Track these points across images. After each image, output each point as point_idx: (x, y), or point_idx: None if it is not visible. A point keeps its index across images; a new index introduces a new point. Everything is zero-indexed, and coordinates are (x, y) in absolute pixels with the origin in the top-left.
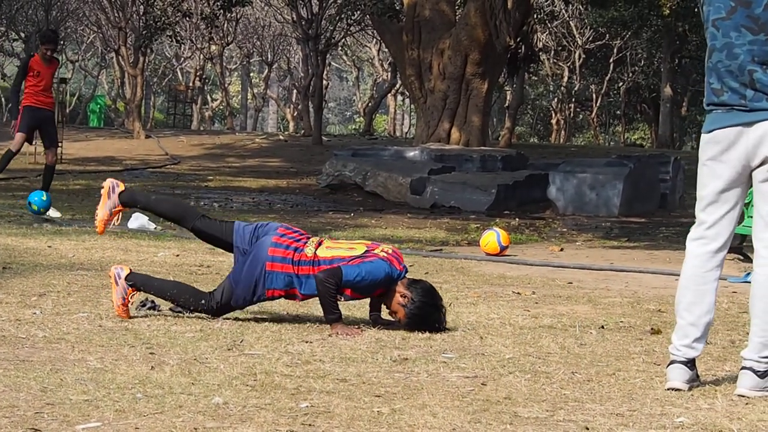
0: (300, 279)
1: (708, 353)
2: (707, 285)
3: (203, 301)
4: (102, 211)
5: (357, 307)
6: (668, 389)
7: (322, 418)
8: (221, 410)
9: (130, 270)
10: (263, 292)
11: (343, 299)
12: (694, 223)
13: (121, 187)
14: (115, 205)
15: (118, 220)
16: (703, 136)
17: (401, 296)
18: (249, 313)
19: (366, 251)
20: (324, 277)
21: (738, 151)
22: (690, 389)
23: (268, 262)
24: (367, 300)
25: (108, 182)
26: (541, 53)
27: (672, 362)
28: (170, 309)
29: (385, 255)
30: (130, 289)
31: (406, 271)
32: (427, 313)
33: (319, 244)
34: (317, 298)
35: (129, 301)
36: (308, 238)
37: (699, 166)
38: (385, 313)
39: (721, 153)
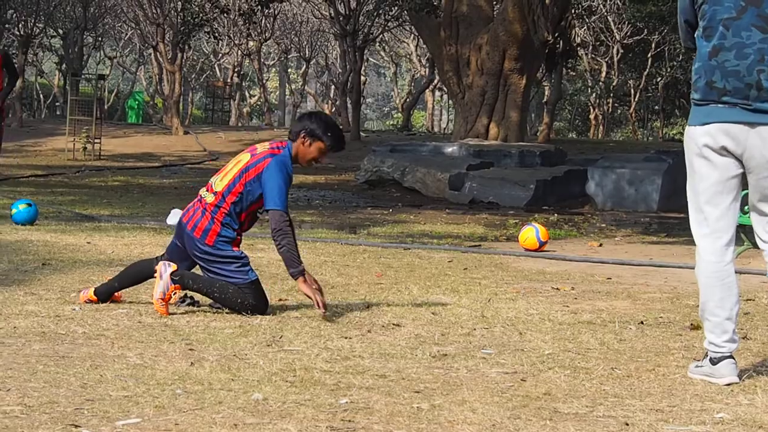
0: (226, 218)
1: (747, 349)
2: (730, 277)
3: (240, 301)
4: (157, 298)
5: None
6: (726, 385)
7: (362, 414)
8: (261, 406)
9: (177, 267)
10: (231, 250)
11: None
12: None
13: (173, 267)
14: (168, 287)
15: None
16: (696, 129)
17: (302, 143)
18: (288, 309)
19: (251, 157)
20: (275, 227)
21: (739, 146)
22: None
23: (198, 237)
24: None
25: (159, 265)
26: (579, 48)
27: (719, 359)
28: (209, 305)
29: (270, 150)
30: (173, 285)
31: (284, 143)
32: (324, 117)
33: (209, 187)
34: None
35: (170, 297)
36: (199, 197)
37: (691, 158)
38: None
39: (720, 146)
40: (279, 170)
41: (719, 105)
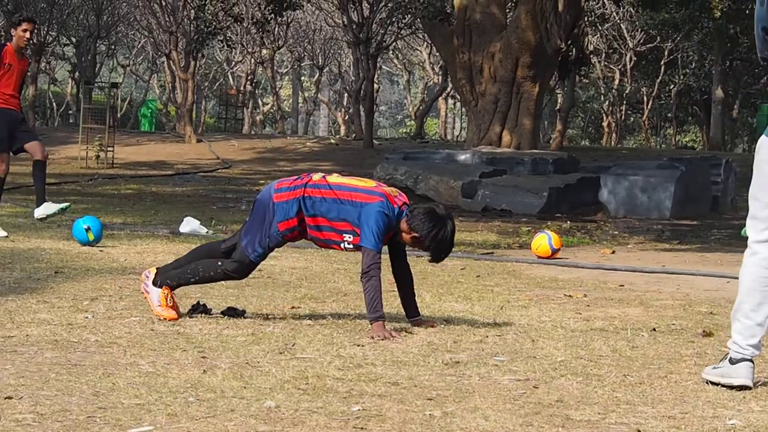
0: (306, 201)
1: (761, 356)
2: None
3: (220, 263)
4: (155, 308)
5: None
6: (738, 387)
7: (374, 421)
8: (273, 414)
9: (157, 270)
10: (276, 228)
11: (350, 248)
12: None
13: (153, 272)
14: (159, 295)
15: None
16: (765, 138)
17: (408, 234)
18: (300, 317)
19: (375, 185)
20: (365, 266)
21: None
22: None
23: (275, 194)
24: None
25: (143, 277)
26: (591, 56)
27: (739, 360)
28: (222, 313)
29: (385, 193)
30: (161, 290)
31: (406, 206)
32: (442, 236)
33: (324, 175)
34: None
35: (166, 300)
36: (313, 173)
37: (762, 166)
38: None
39: None
40: (382, 214)
41: None
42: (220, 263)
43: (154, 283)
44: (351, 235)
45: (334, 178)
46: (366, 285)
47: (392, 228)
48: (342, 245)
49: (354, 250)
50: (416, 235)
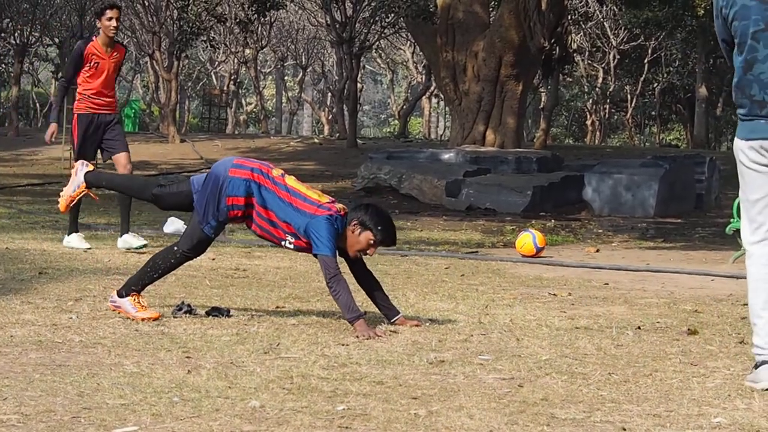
0: (259, 188)
1: (745, 353)
2: None
3: (175, 248)
4: (66, 190)
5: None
6: (764, 390)
7: (359, 420)
8: (258, 413)
9: (94, 168)
10: (224, 202)
11: (290, 247)
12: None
13: (90, 167)
14: (80, 185)
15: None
16: (743, 143)
17: (352, 231)
18: (285, 317)
19: (328, 201)
20: (326, 275)
21: None
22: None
23: (231, 168)
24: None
25: (77, 163)
26: (575, 54)
27: (760, 363)
28: (206, 313)
29: (332, 207)
30: (130, 297)
31: (345, 212)
32: (379, 211)
33: (284, 173)
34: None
35: (142, 305)
36: (275, 167)
37: (743, 169)
38: (408, 310)
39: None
40: (330, 223)
41: (761, 120)
42: (175, 247)
43: (120, 295)
44: (293, 237)
45: (292, 182)
46: (335, 288)
47: (339, 236)
48: (283, 243)
49: (294, 251)
50: (359, 226)
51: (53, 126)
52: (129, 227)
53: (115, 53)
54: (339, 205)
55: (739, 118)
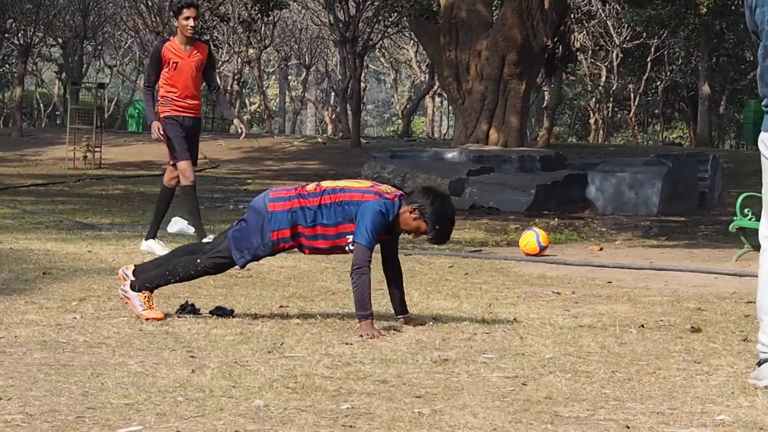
0: (305, 211)
1: (749, 351)
2: None
3: (198, 260)
4: (136, 311)
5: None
6: (766, 387)
7: (363, 419)
8: (262, 413)
9: (134, 269)
10: (269, 237)
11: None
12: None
13: (131, 269)
14: (138, 297)
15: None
16: (766, 134)
17: (410, 212)
18: (289, 316)
19: (370, 185)
20: (356, 263)
21: None
22: None
23: (270, 203)
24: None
25: (121, 273)
26: (578, 53)
27: (765, 361)
28: (210, 312)
29: (380, 191)
30: (141, 294)
31: (402, 197)
32: (441, 205)
33: (318, 183)
34: (325, 250)
35: (148, 302)
36: (306, 184)
37: (765, 163)
38: (414, 310)
39: None
40: (379, 212)
41: None
42: (199, 261)
43: (132, 288)
44: (352, 236)
45: (328, 183)
46: (356, 281)
47: (388, 225)
48: (347, 248)
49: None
50: (416, 210)
51: (155, 123)
52: (157, 233)
53: (195, 51)
54: (389, 188)
55: (763, 110)
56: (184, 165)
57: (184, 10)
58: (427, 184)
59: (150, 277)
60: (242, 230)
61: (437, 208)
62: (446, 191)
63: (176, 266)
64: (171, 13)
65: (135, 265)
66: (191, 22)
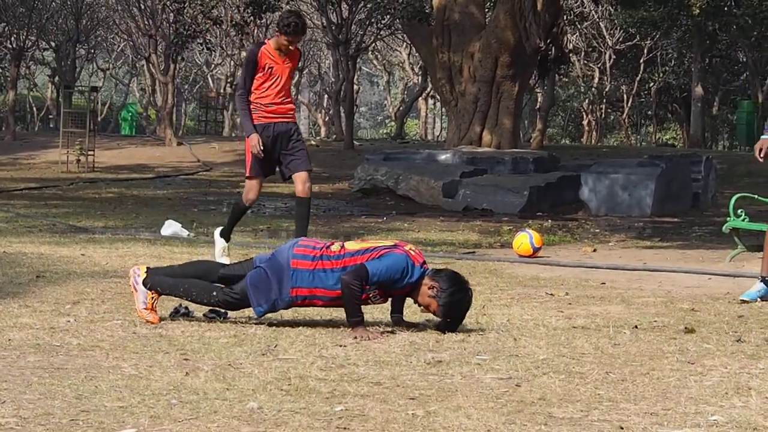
0: (327, 274)
1: (741, 351)
2: None
3: (215, 294)
4: (138, 307)
5: (380, 310)
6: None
7: (357, 421)
8: (256, 415)
9: (147, 271)
10: (287, 293)
11: (370, 302)
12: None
13: (142, 273)
14: (145, 295)
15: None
16: None
17: (429, 288)
18: (283, 318)
19: (395, 244)
20: (349, 279)
21: None
22: None
23: (293, 259)
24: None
25: (131, 272)
26: (571, 54)
27: None
28: (203, 315)
29: (408, 251)
30: (149, 292)
31: (428, 269)
32: (458, 298)
33: (343, 244)
34: (339, 304)
35: (152, 304)
36: (332, 243)
37: None
38: (409, 314)
39: None
40: (401, 268)
41: None
42: (215, 293)
43: (144, 284)
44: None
45: (353, 245)
46: (346, 293)
47: (401, 286)
48: (369, 302)
49: (382, 302)
50: (435, 289)
51: (254, 136)
52: (230, 236)
53: (288, 59)
54: (413, 249)
55: None
56: (251, 183)
57: (286, 37)
58: (456, 272)
59: (164, 284)
60: (262, 280)
61: (455, 300)
62: (470, 285)
63: (191, 288)
64: (276, 26)
65: (148, 268)
66: (290, 45)
